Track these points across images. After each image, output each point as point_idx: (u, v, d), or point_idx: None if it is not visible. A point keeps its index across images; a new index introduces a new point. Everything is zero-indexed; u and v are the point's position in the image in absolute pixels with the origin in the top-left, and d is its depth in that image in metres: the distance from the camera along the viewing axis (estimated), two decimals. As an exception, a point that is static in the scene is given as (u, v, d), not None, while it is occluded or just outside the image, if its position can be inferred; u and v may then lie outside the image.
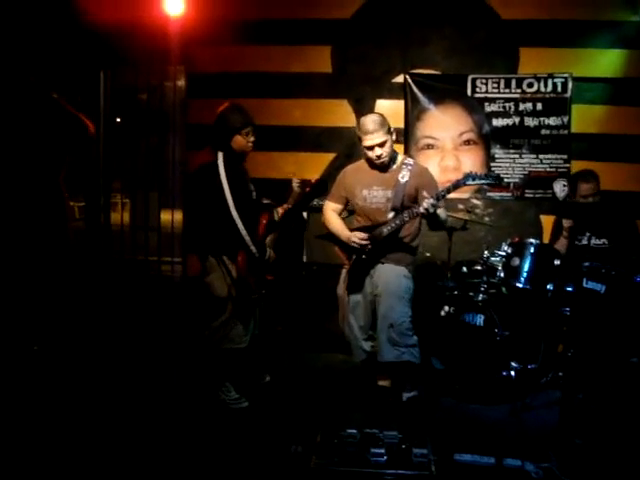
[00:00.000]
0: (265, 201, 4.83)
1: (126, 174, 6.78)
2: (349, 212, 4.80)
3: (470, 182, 4.27)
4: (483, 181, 4.44)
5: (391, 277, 4.44)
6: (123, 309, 5.81)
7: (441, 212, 4.36)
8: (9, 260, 3.93)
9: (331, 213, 4.70)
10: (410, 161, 4.57)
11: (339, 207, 4.70)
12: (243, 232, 4.31)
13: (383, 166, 4.47)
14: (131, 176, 6.79)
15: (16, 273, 3.94)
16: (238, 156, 4.47)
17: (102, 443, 3.81)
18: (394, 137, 4.49)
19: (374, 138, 4.35)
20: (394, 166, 4.52)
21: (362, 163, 4.62)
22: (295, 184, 4.70)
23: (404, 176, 4.44)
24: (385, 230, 4.40)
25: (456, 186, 4.24)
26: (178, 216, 6.52)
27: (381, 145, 4.37)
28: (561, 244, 5.09)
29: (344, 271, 4.64)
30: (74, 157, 4.22)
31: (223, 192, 4.30)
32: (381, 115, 4.48)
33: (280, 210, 4.66)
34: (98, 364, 4.90)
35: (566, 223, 5.07)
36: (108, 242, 6.52)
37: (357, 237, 4.46)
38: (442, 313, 4.99)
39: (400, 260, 4.48)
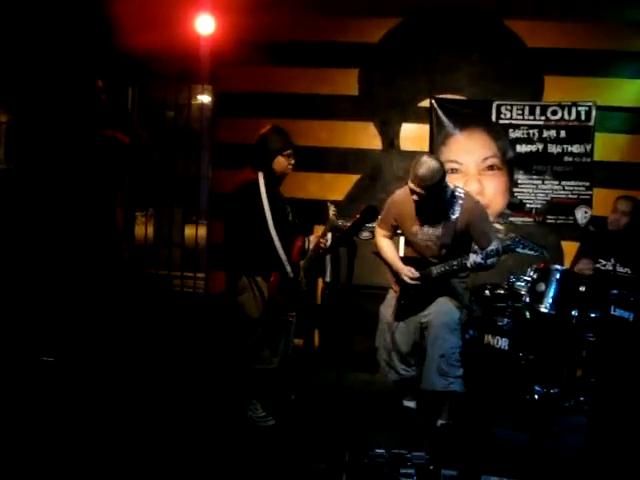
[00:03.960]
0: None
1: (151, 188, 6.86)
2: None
3: (520, 249, 4.31)
4: (531, 252, 4.38)
5: (442, 308, 4.47)
6: (145, 323, 5.85)
7: (490, 262, 4.32)
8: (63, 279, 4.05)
9: (382, 240, 4.74)
10: (461, 193, 4.49)
11: (389, 234, 4.74)
12: (280, 251, 4.38)
13: (432, 203, 4.40)
14: (156, 191, 6.87)
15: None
16: (277, 178, 4.56)
17: (127, 460, 3.83)
18: (447, 184, 4.43)
19: (415, 186, 4.31)
20: (445, 201, 4.43)
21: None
22: (332, 212, 4.72)
23: (454, 212, 4.41)
24: (434, 272, 4.45)
25: (505, 250, 4.28)
26: (202, 232, 6.59)
27: (418, 196, 4.34)
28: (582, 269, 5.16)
29: (392, 293, 4.68)
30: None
31: (263, 211, 4.37)
32: (440, 166, 4.34)
33: (312, 239, 4.66)
34: (119, 378, 4.93)
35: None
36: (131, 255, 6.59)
37: (407, 275, 4.49)
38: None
39: (451, 291, 4.53)
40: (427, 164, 4.27)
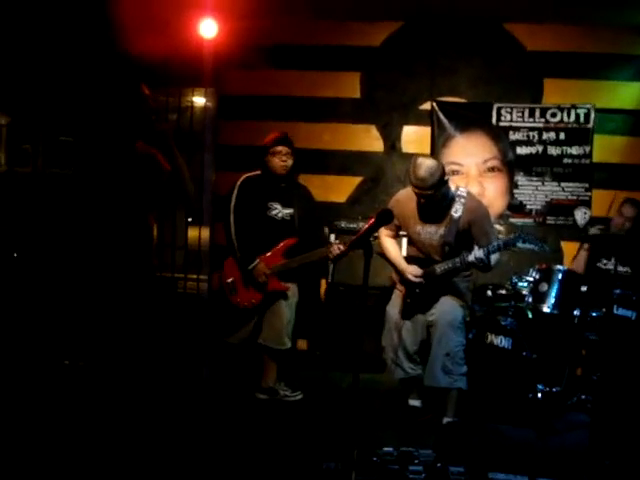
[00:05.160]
0: None
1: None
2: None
3: (520, 244, 4.37)
4: (531, 245, 4.43)
5: (447, 307, 4.54)
6: (155, 325, 5.89)
7: (493, 258, 4.39)
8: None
9: (386, 240, 4.79)
10: (463, 192, 4.57)
11: (393, 233, 4.81)
12: (232, 236, 4.86)
13: (434, 202, 4.47)
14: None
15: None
16: (273, 175, 4.91)
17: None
18: (448, 180, 4.49)
19: (420, 189, 4.36)
20: (447, 199, 4.50)
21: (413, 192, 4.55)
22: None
23: (457, 210, 4.47)
24: (438, 270, 4.51)
25: (506, 244, 4.35)
26: (205, 234, 6.63)
27: (425, 197, 4.40)
28: (579, 263, 5.28)
29: (398, 293, 4.74)
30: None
31: (230, 202, 4.92)
32: (438, 164, 4.41)
33: (342, 247, 4.79)
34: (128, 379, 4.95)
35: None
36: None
37: (411, 274, 4.56)
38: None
39: (455, 290, 4.59)
40: (424, 164, 4.33)
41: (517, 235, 4.37)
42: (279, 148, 4.85)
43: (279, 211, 4.91)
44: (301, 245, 4.92)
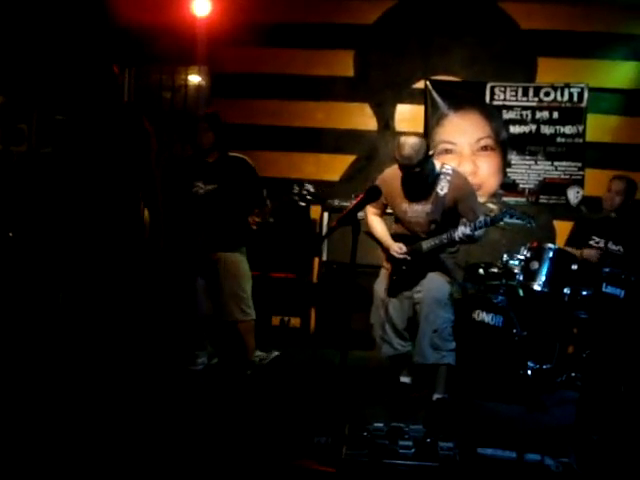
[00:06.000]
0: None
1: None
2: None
3: (507, 219, 4.39)
4: (518, 221, 4.49)
5: (433, 284, 4.55)
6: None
7: (478, 233, 4.42)
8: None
9: (373, 218, 4.81)
10: (449, 169, 4.58)
11: (379, 212, 4.83)
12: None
13: (421, 179, 4.50)
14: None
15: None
16: (198, 151, 4.99)
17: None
18: (432, 155, 4.50)
19: (407, 167, 4.39)
20: (432, 177, 4.52)
21: (399, 170, 4.56)
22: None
23: (443, 188, 4.49)
24: (424, 246, 4.54)
25: (494, 221, 4.36)
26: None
27: (413, 175, 4.42)
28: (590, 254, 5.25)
29: (385, 270, 4.76)
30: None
31: None
32: (421, 140, 4.47)
33: (256, 218, 4.83)
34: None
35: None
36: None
37: (397, 250, 4.58)
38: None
39: (441, 267, 4.61)
40: (408, 142, 4.36)
41: (504, 211, 4.42)
42: (199, 125, 4.94)
43: (200, 188, 4.88)
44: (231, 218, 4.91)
